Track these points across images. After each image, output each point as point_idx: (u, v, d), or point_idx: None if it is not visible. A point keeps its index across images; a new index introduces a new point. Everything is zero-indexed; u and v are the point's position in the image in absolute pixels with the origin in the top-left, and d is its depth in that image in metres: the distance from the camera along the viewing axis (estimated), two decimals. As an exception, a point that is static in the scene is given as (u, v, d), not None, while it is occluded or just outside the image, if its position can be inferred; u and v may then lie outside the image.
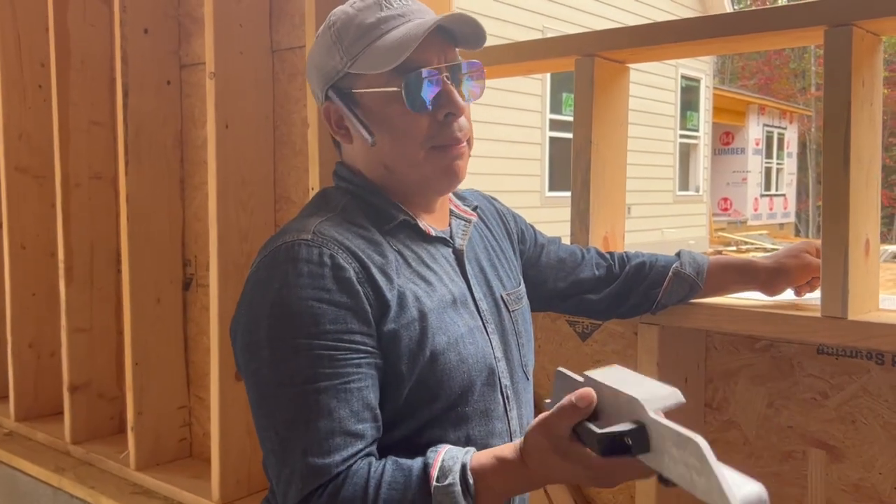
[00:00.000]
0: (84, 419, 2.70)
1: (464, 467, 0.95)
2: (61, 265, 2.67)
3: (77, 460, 2.63)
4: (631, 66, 1.80)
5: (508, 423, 1.15)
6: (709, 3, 13.68)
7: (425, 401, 1.05)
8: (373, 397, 1.00)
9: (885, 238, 19.58)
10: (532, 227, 1.44)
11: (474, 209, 1.24)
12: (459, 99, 1.08)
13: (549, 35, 10.30)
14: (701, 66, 14.22)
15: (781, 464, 1.59)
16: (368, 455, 0.99)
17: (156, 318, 2.47)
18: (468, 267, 1.16)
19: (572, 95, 1.75)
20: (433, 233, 1.14)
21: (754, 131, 18.54)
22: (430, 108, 1.07)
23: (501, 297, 1.20)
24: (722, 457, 0.75)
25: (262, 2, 2.25)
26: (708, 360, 1.69)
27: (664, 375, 1.62)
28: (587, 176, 1.73)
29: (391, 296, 1.03)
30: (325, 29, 1.12)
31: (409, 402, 1.04)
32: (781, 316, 1.46)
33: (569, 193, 1.79)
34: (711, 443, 1.67)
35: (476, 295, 1.15)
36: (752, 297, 1.55)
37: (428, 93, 1.06)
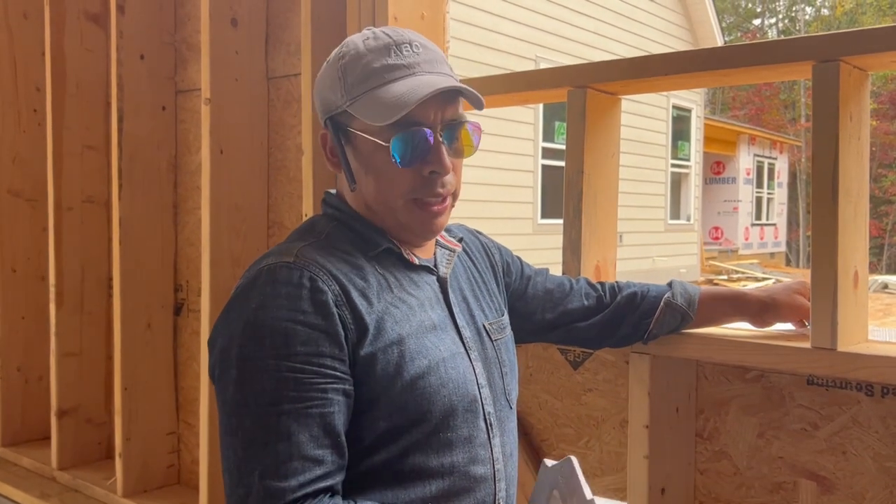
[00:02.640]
0: (71, 444, 2.68)
1: None
2: (52, 289, 2.66)
3: (63, 486, 2.60)
4: (623, 97, 1.82)
5: (491, 451, 1.15)
6: (700, 35, 13.85)
7: (407, 426, 1.05)
8: (337, 424, 1.00)
9: (874, 268, 19.69)
10: (519, 259, 1.45)
11: (459, 241, 1.27)
12: (446, 158, 1.09)
13: (542, 65, 10.40)
14: (692, 97, 14.37)
15: (772, 494, 1.59)
16: (329, 486, 0.99)
17: (146, 342, 2.46)
18: (451, 295, 1.18)
19: (565, 124, 1.76)
20: (417, 261, 1.16)
21: (745, 161, 18.69)
22: (415, 163, 1.08)
23: (484, 326, 1.21)
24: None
25: (258, 30, 2.27)
26: (699, 390, 1.69)
27: (655, 405, 1.63)
28: (579, 205, 1.74)
29: (370, 319, 1.04)
30: (335, 59, 1.14)
31: (391, 428, 1.05)
32: (772, 346, 1.46)
33: (561, 221, 1.81)
34: (702, 472, 1.67)
35: (459, 322, 1.17)
36: (742, 328, 1.56)
37: (415, 150, 1.07)
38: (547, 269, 1.50)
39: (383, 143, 1.07)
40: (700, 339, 1.55)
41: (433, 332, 1.10)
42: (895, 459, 1.45)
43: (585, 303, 1.44)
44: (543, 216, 10.60)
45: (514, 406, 1.25)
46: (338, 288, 1.03)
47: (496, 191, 9.43)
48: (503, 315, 1.29)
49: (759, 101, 25.91)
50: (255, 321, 1.00)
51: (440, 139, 1.09)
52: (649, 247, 12.64)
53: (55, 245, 2.65)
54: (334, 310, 1.01)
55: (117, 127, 2.40)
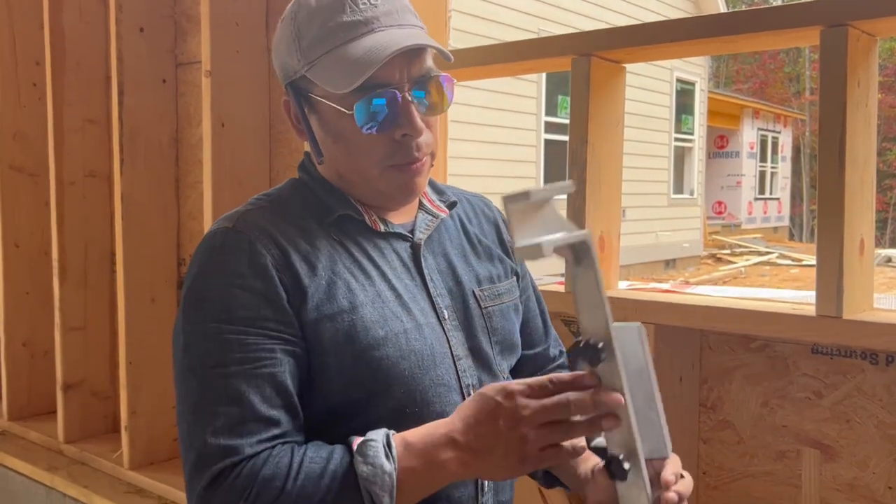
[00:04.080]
0: (77, 418, 2.69)
1: (387, 432, 0.94)
2: (55, 264, 2.66)
3: (70, 459, 2.62)
4: (627, 67, 1.80)
5: None
6: (704, 9, 13.72)
7: (366, 399, 1.01)
8: (289, 384, 0.97)
9: (878, 242, 19.67)
10: (528, 274, 1.32)
11: (451, 205, 1.18)
12: (418, 119, 1.02)
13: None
14: (696, 70, 14.27)
15: (775, 463, 1.59)
16: (289, 443, 0.96)
17: (150, 317, 2.46)
18: (426, 261, 1.11)
19: (568, 98, 1.75)
20: (382, 228, 1.09)
21: (749, 135, 18.60)
22: (385, 129, 1.02)
23: (473, 292, 1.14)
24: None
25: (259, 1, 2.25)
26: (703, 360, 1.69)
27: (659, 375, 1.62)
28: (583, 175, 1.73)
29: (311, 283, 0.99)
30: (289, 17, 1.06)
31: (350, 400, 1.00)
32: (777, 315, 1.46)
33: (564, 196, 1.79)
34: (705, 442, 1.67)
35: (433, 290, 1.10)
36: (747, 296, 1.56)
37: (383, 114, 1.00)
38: (545, 308, 1.34)
39: (347, 112, 1.00)
40: (704, 309, 1.55)
41: (395, 302, 1.04)
42: (899, 427, 1.45)
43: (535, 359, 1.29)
44: (546, 191, 10.56)
45: (506, 377, 1.16)
46: (277, 251, 0.99)
47: (498, 165, 9.40)
48: (503, 282, 1.19)
49: (763, 74, 25.72)
50: (196, 288, 0.99)
51: (409, 98, 1.01)
52: (652, 221, 12.62)
53: (58, 220, 2.65)
54: (274, 273, 0.98)
55: (117, 101, 2.38)
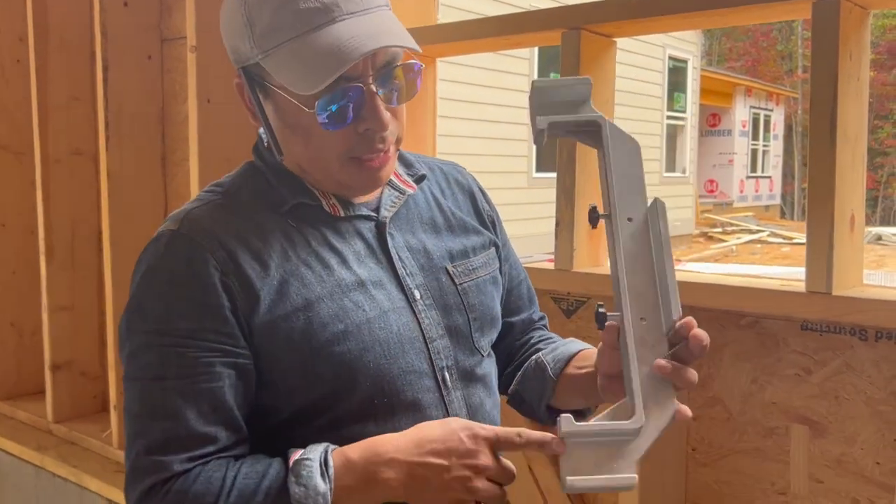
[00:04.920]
0: (66, 398, 2.68)
1: (326, 448, 0.91)
2: (42, 243, 2.64)
3: (59, 439, 2.61)
4: (618, 42, 1.78)
5: (446, 409, 1.03)
6: (697, -17, 13.64)
7: (333, 395, 0.97)
8: (228, 399, 0.93)
9: (868, 220, 19.75)
10: (508, 242, 1.28)
11: (420, 179, 1.13)
12: (383, 113, 0.96)
13: (537, 14, 10.18)
14: (688, 48, 14.21)
15: (764, 439, 1.60)
16: (226, 458, 0.93)
17: (138, 296, 2.44)
18: (393, 240, 1.06)
19: (559, 75, 1.73)
20: (343, 212, 1.04)
21: (741, 113, 18.59)
22: (348, 122, 0.96)
23: (446, 269, 1.09)
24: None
25: (245, -26, 2.21)
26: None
27: (649, 352, 1.62)
28: (573, 151, 1.72)
29: (263, 285, 0.95)
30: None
31: (315, 399, 0.97)
32: (766, 291, 1.46)
33: (556, 174, 1.78)
34: (695, 419, 1.68)
35: (402, 271, 1.05)
36: (737, 272, 1.55)
37: (346, 110, 0.94)
38: (526, 276, 1.31)
39: (307, 109, 0.94)
40: (694, 285, 1.54)
41: (358, 290, 0.99)
42: (887, 403, 1.45)
43: (522, 315, 1.27)
44: (539, 169, 10.55)
45: (486, 353, 1.12)
46: (224, 254, 0.95)
47: (489, 144, 9.37)
48: (478, 255, 1.14)
49: (755, 52, 25.65)
50: (138, 295, 0.96)
51: (374, 90, 0.95)
52: (644, 200, 12.61)
53: (44, 199, 2.62)
54: (217, 280, 0.93)
55: (102, 77, 2.35)
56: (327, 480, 0.88)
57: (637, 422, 0.86)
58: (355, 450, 0.92)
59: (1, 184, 2.87)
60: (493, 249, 1.18)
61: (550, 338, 1.26)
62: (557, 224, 1.77)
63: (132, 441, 0.93)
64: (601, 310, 0.91)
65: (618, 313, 0.91)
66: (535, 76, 10.39)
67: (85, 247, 2.73)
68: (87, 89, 2.70)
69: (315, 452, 0.90)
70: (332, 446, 0.92)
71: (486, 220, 1.20)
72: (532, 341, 1.25)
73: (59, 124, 2.65)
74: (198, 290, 0.94)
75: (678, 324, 0.91)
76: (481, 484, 0.89)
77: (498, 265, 1.19)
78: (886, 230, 14.56)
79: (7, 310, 2.89)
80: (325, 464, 0.89)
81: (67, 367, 2.69)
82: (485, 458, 0.89)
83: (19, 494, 2.61)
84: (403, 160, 1.14)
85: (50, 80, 2.62)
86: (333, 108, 0.94)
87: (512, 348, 1.26)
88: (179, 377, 0.92)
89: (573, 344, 1.19)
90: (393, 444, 0.91)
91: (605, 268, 1.80)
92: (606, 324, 0.94)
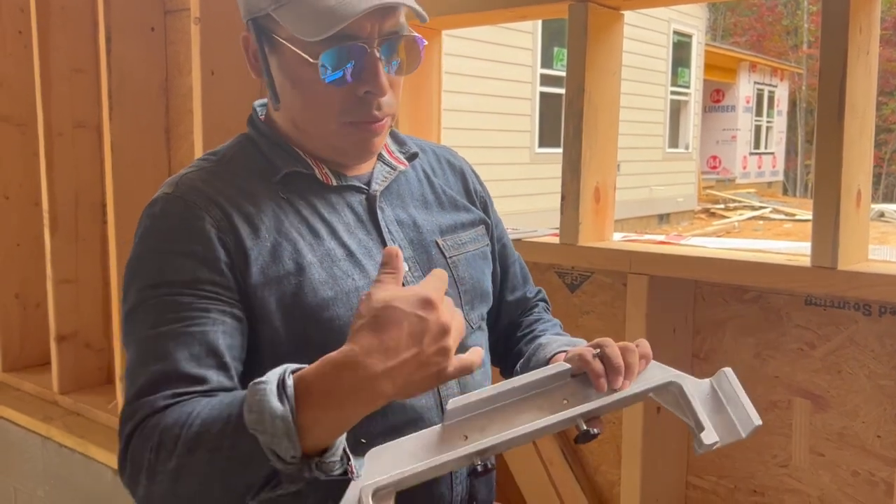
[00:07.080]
0: (71, 369, 2.70)
1: (285, 369, 0.82)
2: (46, 215, 2.64)
3: (65, 410, 2.63)
4: (625, 14, 1.77)
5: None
6: (703, -44, 13.49)
7: None
8: (221, 343, 0.94)
9: (872, 197, 19.70)
10: (500, 223, 1.30)
11: (412, 157, 1.16)
12: (383, 78, 0.98)
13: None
14: (693, 22, 14.09)
15: (767, 413, 1.61)
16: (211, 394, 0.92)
17: (142, 268, 2.45)
18: (383, 213, 1.08)
19: (564, 49, 1.72)
20: (334, 182, 1.06)
21: (745, 89, 18.46)
22: (349, 82, 0.98)
23: (436, 242, 1.12)
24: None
25: (248, -56, 2.19)
26: (696, 311, 1.69)
27: (652, 326, 1.63)
28: (579, 125, 1.71)
29: (255, 245, 0.97)
30: None
31: (305, 363, 0.90)
32: (771, 266, 1.46)
33: (559, 150, 1.77)
34: (698, 392, 1.68)
35: (391, 243, 1.06)
36: (741, 247, 1.55)
37: (349, 68, 0.97)
38: (519, 257, 1.33)
39: (311, 60, 0.96)
40: (698, 260, 1.54)
41: (346, 260, 1.02)
42: (889, 378, 1.46)
43: (516, 294, 1.29)
44: (541, 145, 10.51)
45: (477, 326, 1.14)
46: (219, 212, 0.97)
47: (492, 119, 9.32)
48: (468, 231, 1.17)
49: (760, 27, 25.43)
50: (136, 255, 0.99)
51: (377, 55, 0.97)
52: (647, 176, 12.58)
53: (47, 171, 2.62)
54: (213, 234, 0.96)
55: (105, 48, 2.33)
56: (285, 401, 0.78)
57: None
58: (320, 369, 0.81)
59: (4, 156, 2.86)
60: (482, 227, 1.21)
61: (548, 320, 1.29)
62: (563, 198, 1.76)
63: (126, 392, 0.94)
64: (585, 427, 0.96)
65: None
66: (539, 51, 10.33)
67: (89, 219, 2.73)
68: (91, 61, 2.68)
69: (271, 374, 0.81)
70: (293, 366, 0.83)
71: (477, 200, 1.23)
72: (531, 319, 1.28)
73: (62, 96, 2.64)
74: (194, 244, 0.96)
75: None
76: (452, 341, 0.82)
77: (488, 242, 1.21)
78: (889, 207, 14.52)
79: (11, 282, 2.90)
80: (282, 385, 0.80)
81: (72, 339, 2.71)
82: (444, 317, 0.81)
83: (26, 464, 2.64)
84: (396, 138, 1.17)
85: (52, 50, 2.60)
86: (337, 61, 0.96)
87: (511, 327, 1.29)
88: (173, 322, 0.93)
89: (557, 342, 1.17)
90: (362, 355, 0.80)
91: (608, 241, 1.80)
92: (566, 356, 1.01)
